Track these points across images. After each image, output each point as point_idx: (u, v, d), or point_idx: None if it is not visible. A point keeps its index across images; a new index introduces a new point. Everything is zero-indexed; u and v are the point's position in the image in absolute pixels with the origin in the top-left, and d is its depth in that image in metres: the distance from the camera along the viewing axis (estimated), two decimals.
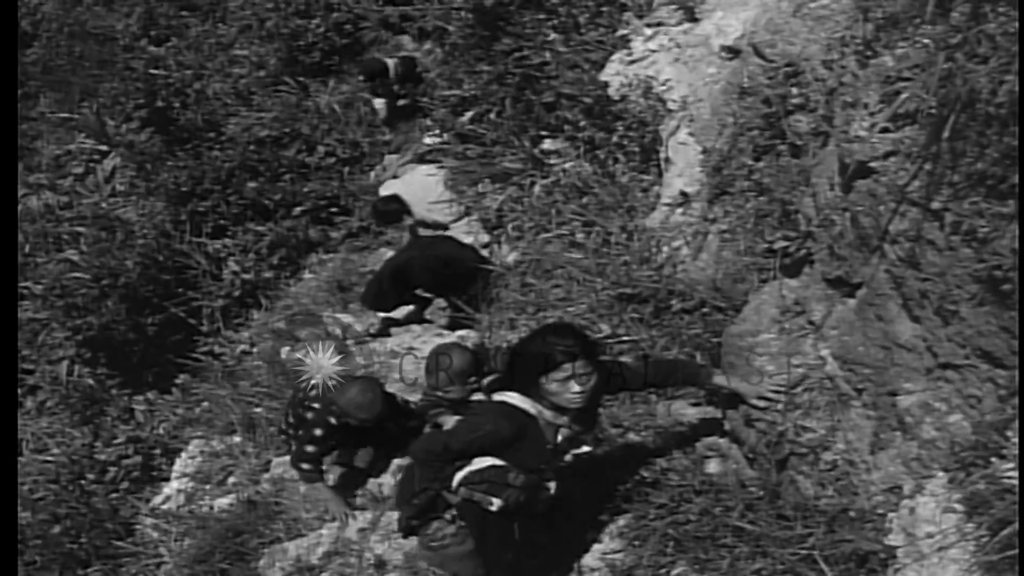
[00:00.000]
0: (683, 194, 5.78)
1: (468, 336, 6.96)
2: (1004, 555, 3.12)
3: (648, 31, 6.58)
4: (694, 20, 6.26)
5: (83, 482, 8.67)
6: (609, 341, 5.39)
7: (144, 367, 10.09)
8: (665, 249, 5.78)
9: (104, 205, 10.82)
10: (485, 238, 8.27)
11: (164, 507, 7.76)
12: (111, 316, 9.81)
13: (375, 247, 9.90)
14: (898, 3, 3.62)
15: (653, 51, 6.41)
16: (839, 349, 4.04)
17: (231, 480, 7.43)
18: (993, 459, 3.26)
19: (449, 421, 5.58)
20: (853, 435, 3.98)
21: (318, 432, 5.86)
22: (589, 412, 4.31)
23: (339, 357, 6.11)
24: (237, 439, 7.76)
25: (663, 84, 6.17)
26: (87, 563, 8.01)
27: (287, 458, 6.50)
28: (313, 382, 5.81)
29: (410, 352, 7.06)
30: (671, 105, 6.06)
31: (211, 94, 12.30)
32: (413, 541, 5.16)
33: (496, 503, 4.13)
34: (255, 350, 9.36)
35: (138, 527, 7.92)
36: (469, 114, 9.02)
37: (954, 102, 3.17)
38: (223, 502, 7.13)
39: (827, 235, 4.04)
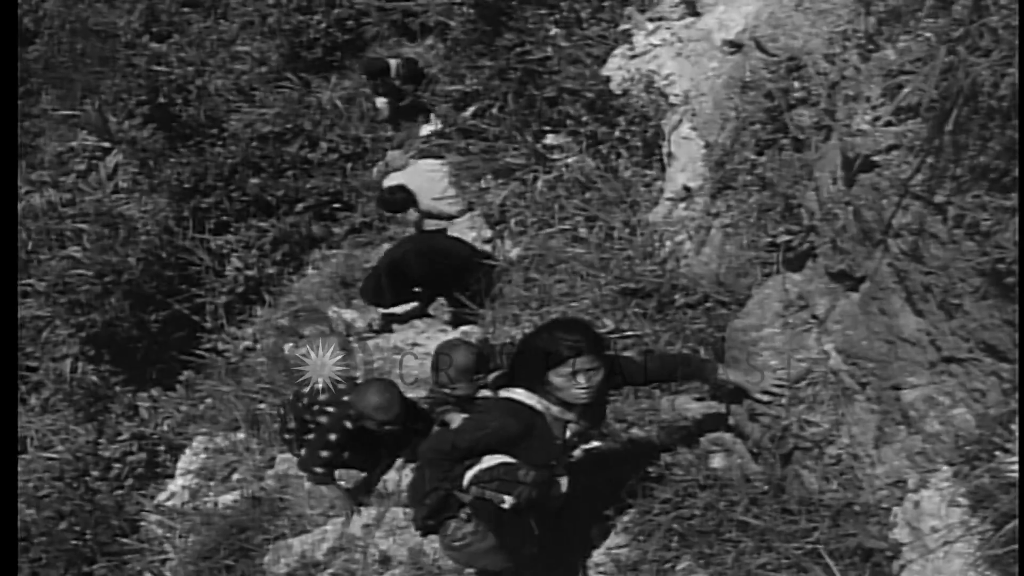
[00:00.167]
0: (686, 188, 5.78)
1: (471, 332, 6.95)
2: (1008, 549, 3.12)
3: (650, 25, 6.59)
4: (696, 14, 6.26)
5: (87, 479, 8.70)
6: (613, 336, 5.38)
7: (148, 364, 10.11)
8: (668, 244, 5.78)
9: (107, 202, 10.85)
10: (488, 233, 8.27)
11: (169, 504, 7.77)
12: (114, 313, 9.84)
13: (378, 243, 9.89)
14: None
15: (655, 45, 6.41)
16: (843, 343, 4.03)
17: (235, 476, 7.44)
18: (997, 453, 3.26)
19: (456, 419, 5.57)
20: (857, 429, 3.98)
21: (333, 437, 5.77)
22: (597, 407, 4.30)
23: (342, 355, 6.10)
24: (241, 435, 7.77)
25: (665, 78, 6.17)
26: (92, 560, 8.02)
27: (291, 455, 6.49)
28: (315, 382, 5.79)
29: (411, 349, 7.07)
30: (673, 99, 6.05)
31: (213, 90, 12.32)
32: (415, 538, 5.20)
33: (508, 500, 4.11)
34: (259, 346, 9.37)
35: (143, 524, 7.93)
36: (471, 109, 9.03)
37: (956, 95, 3.17)
38: (228, 498, 7.14)
39: (830, 229, 4.03)
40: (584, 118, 7.21)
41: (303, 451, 5.97)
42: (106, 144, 11.56)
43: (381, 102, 10.78)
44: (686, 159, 5.79)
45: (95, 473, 8.75)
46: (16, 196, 10.42)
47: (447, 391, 5.72)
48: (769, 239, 4.61)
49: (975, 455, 3.37)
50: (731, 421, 4.70)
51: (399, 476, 6.08)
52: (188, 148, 11.01)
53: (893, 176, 3.54)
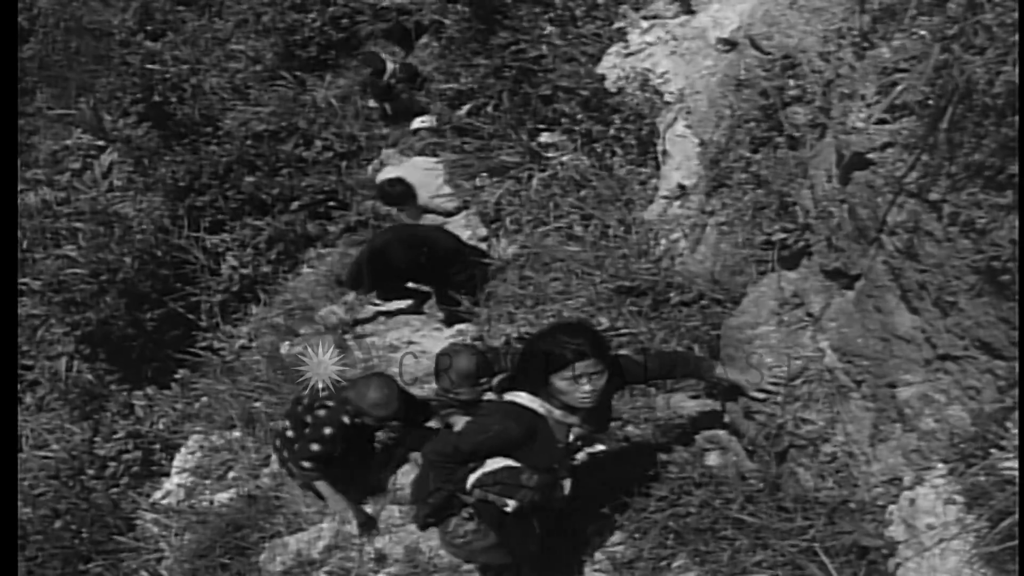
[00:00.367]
0: (681, 187, 5.78)
1: (467, 330, 6.95)
2: (1004, 546, 3.12)
3: (645, 24, 6.58)
4: (691, 12, 6.26)
5: (83, 477, 8.69)
6: (608, 334, 5.38)
7: (143, 362, 10.11)
8: (663, 242, 5.78)
9: (102, 200, 10.84)
10: (483, 231, 8.28)
11: (164, 502, 7.76)
12: (110, 312, 9.83)
13: None
14: None
15: (650, 44, 6.41)
16: (838, 341, 4.04)
17: (231, 475, 7.44)
18: (993, 450, 3.26)
19: (459, 422, 5.57)
20: (852, 427, 3.98)
21: (328, 431, 5.70)
22: (601, 411, 4.27)
23: (339, 354, 6.08)
24: (237, 434, 7.76)
25: (660, 76, 6.17)
26: (88, 558, 8.01)
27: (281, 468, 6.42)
28: (314, 383, 5.77)
29: (409, 347, 7.06)
30: (668, 97, 6.06)
31: (208, 89, 12.32)
32: (412, 536, 5.20)
33: (511, 504, 4.11)
34: (254, 345, 9.36)
35: (138, 522, 7.91)
36: (466, 107, 9.03)
37: (951, 93, 3.17)
38: (223, 497, 7.13)
39: (825, 227, 4.04)
40: (579, 116, 7.21)
41: (296, 447, 5.92)
42: (101, 142, 11.55)
43: (374, 104, 10.81)
44: (681, 157, 5.79)
45: (91, 471, 8.73)
46: (16, 196, 10.40)
47: (453, 395, 5.71)
48: (764, 237, 4.61)
49: (970, 453, 3.37)
50: (727, 419, 4.70)
51: (395, 475, 6.08)
52: (183, 146, 11.01)
53: (888, 174, 3.54)
